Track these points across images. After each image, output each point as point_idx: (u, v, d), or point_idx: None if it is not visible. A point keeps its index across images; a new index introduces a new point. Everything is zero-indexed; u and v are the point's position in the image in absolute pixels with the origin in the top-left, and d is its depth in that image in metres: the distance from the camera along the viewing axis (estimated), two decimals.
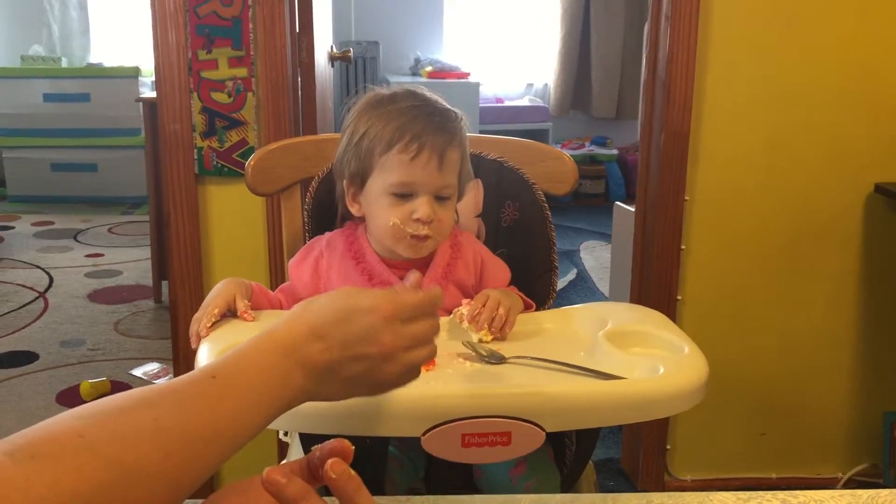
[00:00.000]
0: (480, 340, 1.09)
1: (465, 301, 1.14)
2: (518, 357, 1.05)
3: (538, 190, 1.35)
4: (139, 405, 0.62)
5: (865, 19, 2.06)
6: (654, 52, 2.13)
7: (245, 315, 1.10)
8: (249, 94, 2.01)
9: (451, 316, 1.13)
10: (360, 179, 1.19)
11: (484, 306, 1.12)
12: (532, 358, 1.03)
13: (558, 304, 1.30)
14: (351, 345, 0.73)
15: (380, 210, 1.18)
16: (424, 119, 1.15)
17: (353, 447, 0.65)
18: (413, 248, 1.17)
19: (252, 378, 0.69)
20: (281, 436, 1.44)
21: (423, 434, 0.89)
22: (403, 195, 1.15)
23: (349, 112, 1.21)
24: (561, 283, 3.89)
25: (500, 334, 1.11)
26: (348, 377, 0.74)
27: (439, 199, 1.17)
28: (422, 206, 1.15)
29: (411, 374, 0.78)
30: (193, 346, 1.06)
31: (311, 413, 0.88)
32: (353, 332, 0.73)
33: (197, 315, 1.10)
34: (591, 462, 1.29)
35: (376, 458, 1.11)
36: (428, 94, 1.21)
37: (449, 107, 1.21)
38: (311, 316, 0.74)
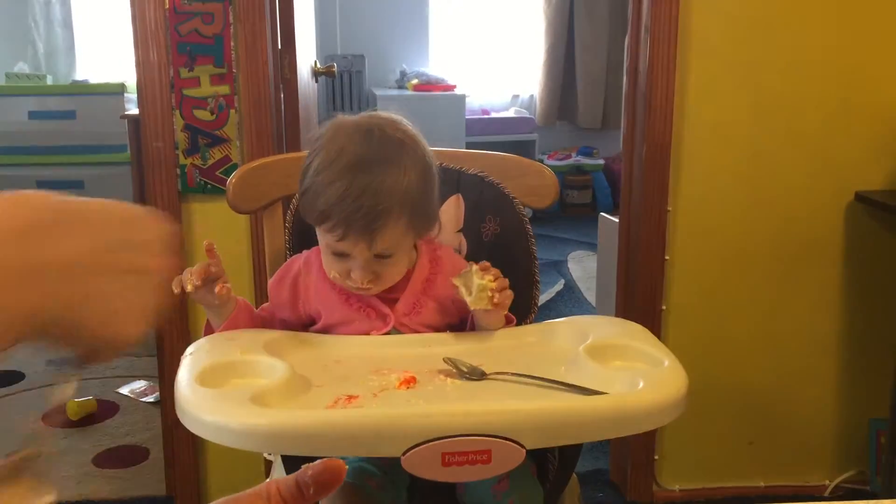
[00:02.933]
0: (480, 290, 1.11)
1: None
2: (499, 373, 1.05)
3: (518, 204, 1.36)
4: None
5: (845, 29, 2.08)
6: (634, 64, 2.14)
7: (222, 290, 1.13)
8: (232, 112, 2.01)
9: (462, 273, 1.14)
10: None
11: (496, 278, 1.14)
12: (512, 374, 1.04)
13: (546, 314, 1.31)
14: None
15: (324, 256, 1.19)
16: (352, 204, 1.09)
17: (347, 466, 0.64)
18: (358, 292, 1.18)
19: None
20: (266, 455, 1.45)
21: (403, 454, 0.89)
22: (341, 254, 1.16)
23: (314, 140, 1.18)
24: (548, 294, 3.89)
25: (499, 299, 1.13)
26: None
27: (379, 257, 1.15)
28: (357, 271, 1.15)
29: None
30: (175, 290, 1.09)
31: (291, 435, 0.89)
32: None
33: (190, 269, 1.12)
34: (575, 475, 1.29)
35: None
36: (377, 139, 1.12)
37: (394, 158, 1.11)
38: None
